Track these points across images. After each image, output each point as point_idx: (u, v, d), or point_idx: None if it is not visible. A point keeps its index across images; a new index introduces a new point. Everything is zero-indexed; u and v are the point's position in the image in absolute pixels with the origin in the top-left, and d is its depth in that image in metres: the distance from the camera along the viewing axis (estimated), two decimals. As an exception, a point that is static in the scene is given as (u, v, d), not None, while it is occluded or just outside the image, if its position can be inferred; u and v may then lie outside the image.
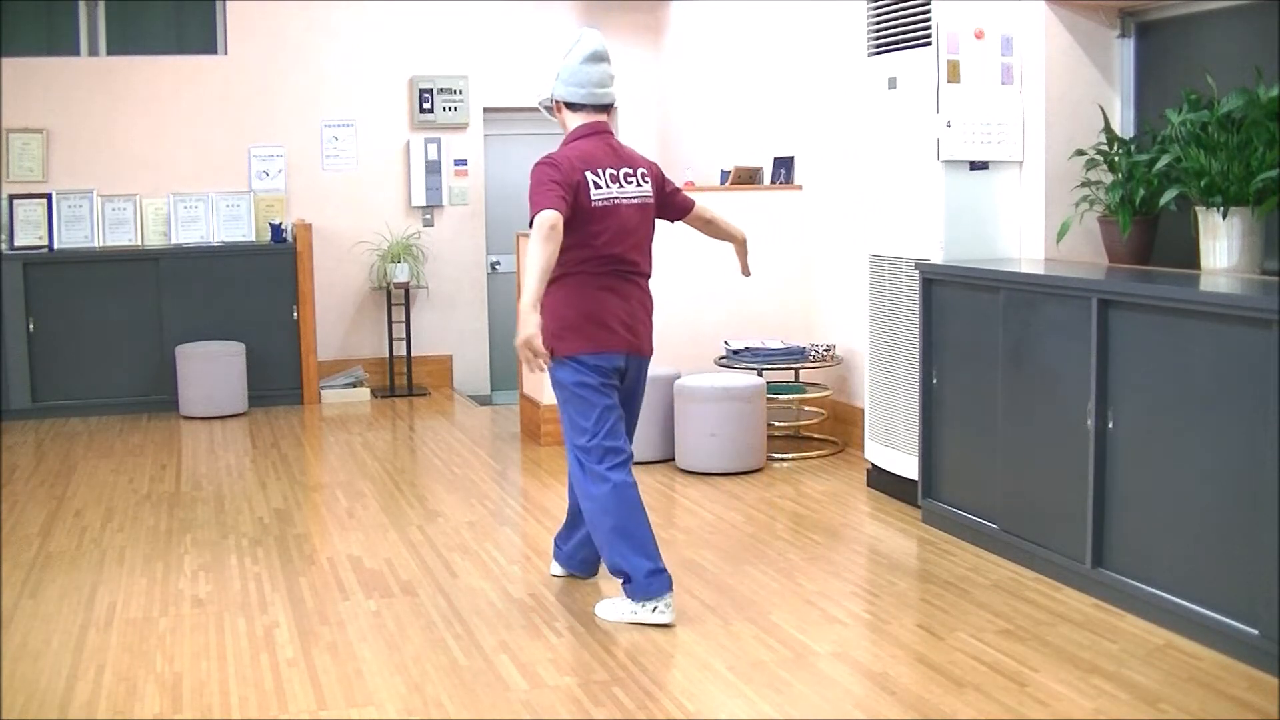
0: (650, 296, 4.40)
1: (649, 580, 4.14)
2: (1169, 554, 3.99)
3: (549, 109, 4.42)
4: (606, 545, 4.21)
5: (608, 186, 4.21)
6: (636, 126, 9.59)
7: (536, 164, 4.19)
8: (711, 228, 4.66)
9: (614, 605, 4.24)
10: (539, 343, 3.95)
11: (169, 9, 8.99)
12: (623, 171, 4.26)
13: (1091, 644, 3.91)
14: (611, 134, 4.37)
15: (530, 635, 4.10)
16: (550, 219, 4.00)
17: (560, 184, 4.09)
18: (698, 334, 7.07)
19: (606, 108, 4.35)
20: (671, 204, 4.51)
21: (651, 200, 4.34)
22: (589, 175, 4.18)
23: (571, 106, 4.32)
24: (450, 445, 7.24)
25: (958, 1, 5.52)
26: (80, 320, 8.33)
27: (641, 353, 4.35)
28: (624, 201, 4.24)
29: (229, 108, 8.97)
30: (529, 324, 3.92)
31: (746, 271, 4.78)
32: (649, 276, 4.38)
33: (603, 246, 4.19)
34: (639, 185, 4.29)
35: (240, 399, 8.35)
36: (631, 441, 4.42)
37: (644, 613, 4.16)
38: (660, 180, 4.45)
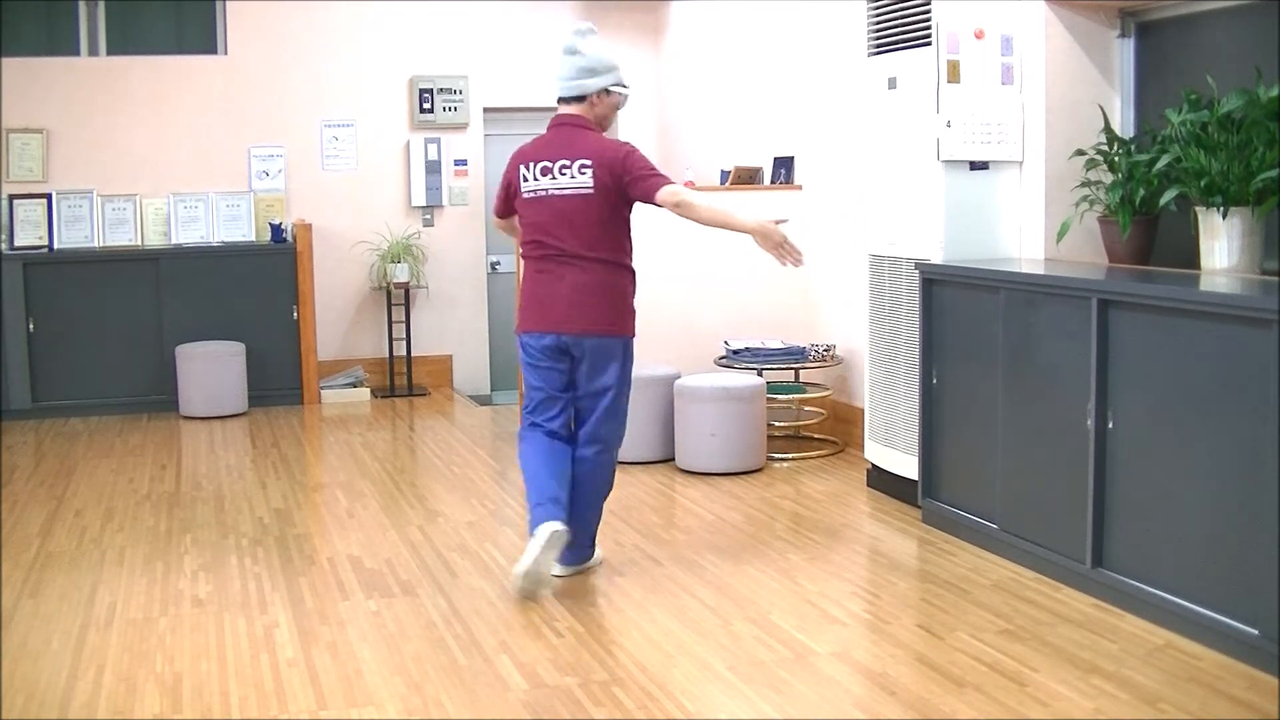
0: (597, 277, 4.47)
1: (533, 511, 4.41)
2: (1169, 554, 3.99)
3: None
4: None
5: (536, 179, 4.53)
6: (636, 126, 9.59)
7: None
8: (685, 211, 4.44)
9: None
10: None
11: (169, 9, 8.99)
12: (559, 164, 4.50)
13: (1091, 644, 3.91)
14: (576, 124, 4.56)
15: (530, 635, 4.10)
16: (495, 221, 4.94)
17: (502, 187, 4.70)
18: (698, 334, 7.07)
19: (578, 99, 4.58)
20: (634, 190, 4.50)
21: (590, 190, 4.46)
22: (521, 169, 4.58)
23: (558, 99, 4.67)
24: (450, 445, 7.23)
25: (958, 1, 5.52)
26: (80, 320, 8.33)
27: (574, 331, 4.46)
28: (554, 192, 4.49)
29: (229, 108, 8.97)
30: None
31: (787, 262, 4.49)
32: (596, 259, 4.47)
33: (533, 232, 4.56)
34: (574, 176, 4.47)
35: (240, 399, 8.35)
36: (596, 423, 4.56)
37: (532, 543, 4.34)
38: (616, 168, 4.46)
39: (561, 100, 4.59)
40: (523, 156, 4.59)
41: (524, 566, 4.32)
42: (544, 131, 4.62)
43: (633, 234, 4.61)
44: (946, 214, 5.28)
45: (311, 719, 3.48)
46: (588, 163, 4.45)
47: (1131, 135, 5.19)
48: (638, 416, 6.45)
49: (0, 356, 8.17)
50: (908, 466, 5.51)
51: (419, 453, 7.13)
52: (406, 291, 9.01)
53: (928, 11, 5.76)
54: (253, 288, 8.56)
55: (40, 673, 3.85)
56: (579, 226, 4.45)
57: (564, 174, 4.46)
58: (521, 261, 4.68)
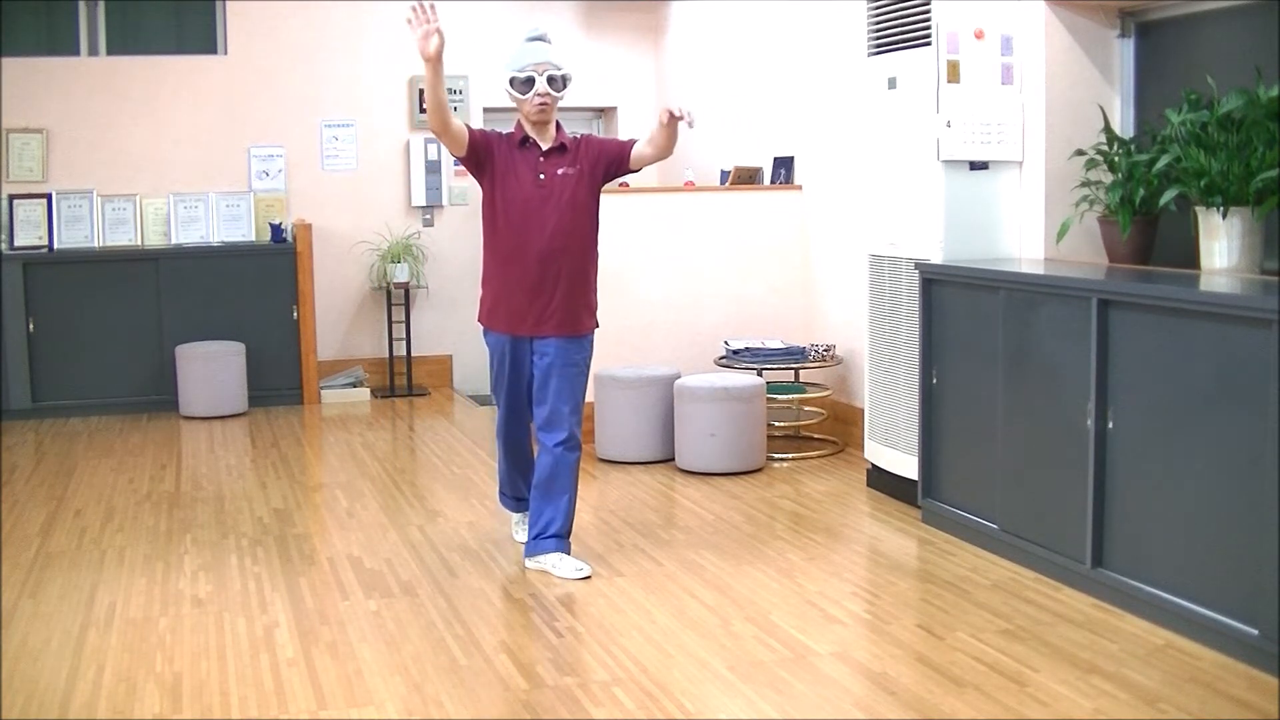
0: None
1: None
2: (1169, 554, 3.99)
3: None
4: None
5: None
6: (636, 127, 9.58)
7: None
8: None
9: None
10: None
11: (169, 9, 8.99)
12: None
13: (1091, 644, 3.91)
14: None
15: (530, 635, 4.10)
16: None
17: None
18: (698, 334, 7.07)
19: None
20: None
21: None
22: None
23: None
24: (450, 445, 7.23)
25: (958, 1, 5.52)
26: (80, 320, 8.32)
27: None
28: None
29: (229, 108, 8.97)
30: None
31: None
32: None
33: None
34: None
35: (240, 399, 8.35)
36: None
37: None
38: None
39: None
40: None
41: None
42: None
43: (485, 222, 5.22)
44: (946, 214, 5.28)
45: (311, 719, 3.48)
46: None
47: (1131, 135, 5.19)
48: (638, 417, 6.49)
49: (0, 356, 8.17)
50: (908, 466, 5.51)
51: (419, 453, 7.13)
52: (406, 291, 9.01)
53: (928, 11, 5.76)
54: (253, 288, 8.56)
55: (40, 673, 3.85)
56: None
57: None
58: None
